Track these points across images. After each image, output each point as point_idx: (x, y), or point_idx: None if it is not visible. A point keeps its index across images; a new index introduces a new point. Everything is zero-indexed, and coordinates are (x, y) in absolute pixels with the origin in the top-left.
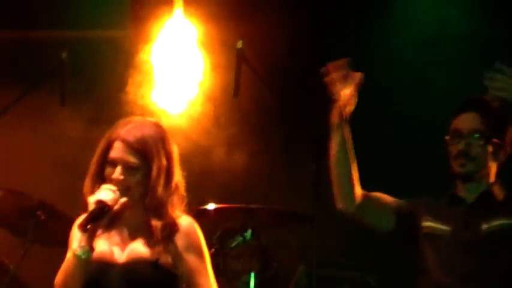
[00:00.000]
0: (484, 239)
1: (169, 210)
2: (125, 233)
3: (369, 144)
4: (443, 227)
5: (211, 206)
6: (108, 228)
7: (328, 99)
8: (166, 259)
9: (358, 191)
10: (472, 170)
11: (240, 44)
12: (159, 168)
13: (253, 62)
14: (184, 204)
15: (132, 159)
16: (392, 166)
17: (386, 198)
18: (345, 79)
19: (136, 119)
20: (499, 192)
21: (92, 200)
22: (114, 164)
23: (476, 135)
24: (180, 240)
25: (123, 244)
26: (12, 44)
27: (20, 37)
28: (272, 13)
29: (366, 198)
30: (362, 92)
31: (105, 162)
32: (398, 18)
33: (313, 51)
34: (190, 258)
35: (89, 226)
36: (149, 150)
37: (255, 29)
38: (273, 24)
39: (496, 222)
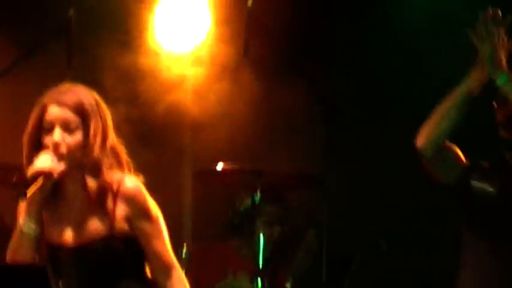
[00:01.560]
0: None
1: (105, 172)
2: (72, 210)
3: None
4: (491, 189)
5: (219, 167)
6: (53, 206)
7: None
8: (121, 226)
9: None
10: None
11: (250, 2)
12: (96, 128)
13: (263, 20)
14: (126, 167)
15: (71, 117)
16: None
17: (459, 153)
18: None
19: (68, 85)
20: None
21: (30, 171)
22: (51, 127)
23: None
24: (123, 205)
25: (71, 223)
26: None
27: None
28: None
29: (444, 148)
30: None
31: (41, 129)
32: None
33: (320, 13)
34: (140, 224)
35: (34, 198)
36: (86, 110)
37: None
38: None
39: None
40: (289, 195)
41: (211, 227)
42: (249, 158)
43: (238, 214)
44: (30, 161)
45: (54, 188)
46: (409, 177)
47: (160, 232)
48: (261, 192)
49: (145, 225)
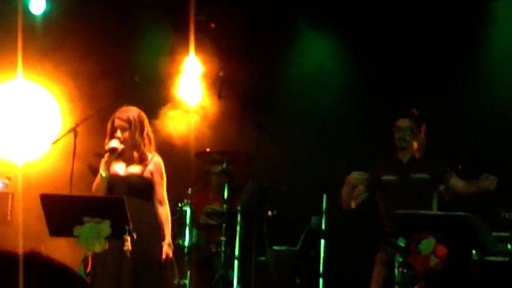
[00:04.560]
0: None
1: (142, 148)
2: (125, 162)
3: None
4: (391, 177)
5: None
6: (117, 160)
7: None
8: (147, 174)
9: None
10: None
11: (221, 73)
12: (135, 127)
13: (228, 83)
14: (153, 146)
15: (122, 124)
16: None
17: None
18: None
19: (126, 107)
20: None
21: (107, 146)
22: (116, 129)
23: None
24: (151, 166)
25: (124, 166)
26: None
27: None
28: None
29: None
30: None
31: (113, 129)
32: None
33: (259, 76)
34: (156, 177)
35: (106, 157)
36: (131, 120)
37: (230, 64)
38: (241, 60)
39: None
40: (241, 164)
41: (203, 179)
42: (219, 145)
43: (219, 174)
44: (107, 143)
45: (121, 153)
46: (307, 150)
47: (162, 183)
48: (226, 162)
49: (157, 178)
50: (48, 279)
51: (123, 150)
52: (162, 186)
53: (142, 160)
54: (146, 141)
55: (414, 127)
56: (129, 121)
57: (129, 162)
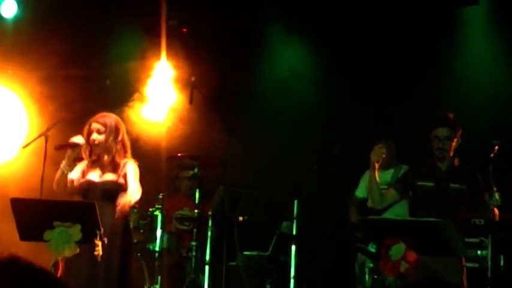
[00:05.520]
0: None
1: (113, 153)
2: (100, 168)
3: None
4: (428, 183)
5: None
6: (92, 167)
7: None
8: (121, 180)
9: None
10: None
11: (193, 78)
12: (110, 132)
13: (200, 87)
14: (129, 153)
15: (99, 127)
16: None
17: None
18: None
19: (104, 113)
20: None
21: (70, 139)
22: (92, 131)
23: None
24: (125, 171)
25: (100, 173)
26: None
27: None
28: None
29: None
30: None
31: (90, 132)
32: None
33: (230, 80)
34: (129, 174)
35: (69, 152)
36: (107, 124)
37: (201, 68)
38: (212, 65)
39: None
40: (212, 168)
41: (174, 183)
42: (190, 149)
43: (190, 178)
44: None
45: (97, 158)
46: (278, 155)
47: (135, 181)
48: (197, 167)
49: (130, 175)
50: (29, 283)
51: (98, 155)
52: (135, 182)
53: (114, 166)
54: (119, 147)
55: (452, 135)
56: (105, 125)
57: (104, 169)
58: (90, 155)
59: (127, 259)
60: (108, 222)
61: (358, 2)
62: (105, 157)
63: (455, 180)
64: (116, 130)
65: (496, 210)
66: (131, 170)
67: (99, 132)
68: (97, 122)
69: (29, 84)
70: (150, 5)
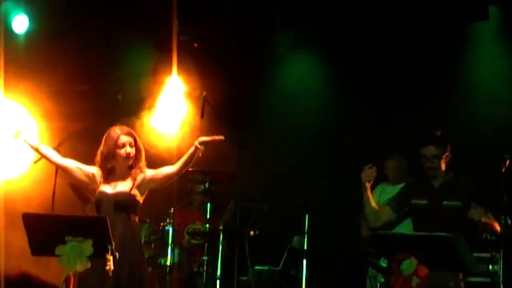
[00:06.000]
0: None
1: (139, 165)
2: (114, 181)
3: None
4: (422, 202)
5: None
6: (108, 180)
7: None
8: (135, 192)
9: None
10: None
11: (204, 93)
12: (139, 144)
13: (211, 102)
14: (145, 163)
15: (130, 140)
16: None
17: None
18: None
19: (121, 126)
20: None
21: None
22: (125, 145)
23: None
24: (146, 177)
25: (114, 185)
26: None
27: None
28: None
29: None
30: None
31: (117, 146)
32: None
33: (241, 95)
34: (156, 171)
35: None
36: (135, 136)
37: (212, 83)
38: (223, 79)
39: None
40: (223, 183)
41: (185, 198)
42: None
43: (201, 193)
44: (99, 160)
45: (113, 171)
46: (289, 170)
47: (161, 166)
48: (208, 182)
49: (153, 173)
50: None
51: (114, 168)
52: (165, 166)
53: (130, 176)
54: (141, 159)
55: (441, 152)
56: (134, 137)
57: (118, 179)
58: (105, 165)
59: (139, 272)
60: (119, 233)
61: (370, 15)
62: (133, 170)
63: (448, 197)
64: (138, 144)
65: (497, 226)
66: (151, 171)
67: (131, 145)
68: (125, 135)
69: (40, 99)
70: (161, 21)
